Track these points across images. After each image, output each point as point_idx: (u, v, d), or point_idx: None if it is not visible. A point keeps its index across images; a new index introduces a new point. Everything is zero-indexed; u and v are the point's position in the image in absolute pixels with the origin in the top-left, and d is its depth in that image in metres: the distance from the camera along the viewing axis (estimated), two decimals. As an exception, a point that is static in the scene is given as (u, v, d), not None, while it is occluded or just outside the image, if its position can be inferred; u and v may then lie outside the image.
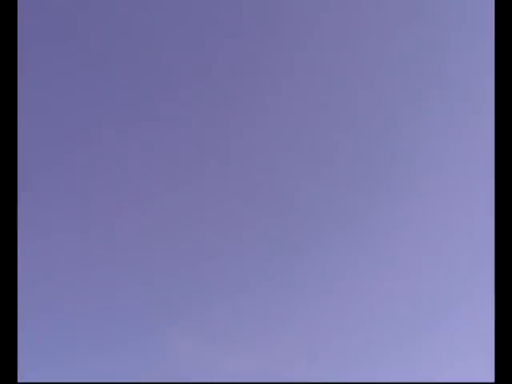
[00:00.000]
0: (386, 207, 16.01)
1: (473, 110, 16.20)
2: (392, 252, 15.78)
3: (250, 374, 14.50)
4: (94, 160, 16.04)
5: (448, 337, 15.07)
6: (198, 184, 16.13)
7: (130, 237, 15.76)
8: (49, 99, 16.27)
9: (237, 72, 16.40)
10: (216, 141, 16.20)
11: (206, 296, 15.38)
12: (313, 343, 15.15)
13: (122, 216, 15.89)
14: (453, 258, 15.59)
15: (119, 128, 16.22)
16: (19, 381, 12.67)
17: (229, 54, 16.40)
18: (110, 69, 16.34)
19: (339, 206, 16.04)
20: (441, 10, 16.42)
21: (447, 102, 16.33)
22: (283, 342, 15.14)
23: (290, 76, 16.50)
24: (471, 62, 16.30)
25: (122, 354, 14.84)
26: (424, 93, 16.39)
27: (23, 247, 15.24)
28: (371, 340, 15.15)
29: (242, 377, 14.40)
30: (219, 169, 16.15)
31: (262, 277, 15.60)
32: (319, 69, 16.51)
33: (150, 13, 16.32)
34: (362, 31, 16.51)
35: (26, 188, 15.52)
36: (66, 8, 16.26)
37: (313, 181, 16.05)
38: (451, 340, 15.02)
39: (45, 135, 16.08)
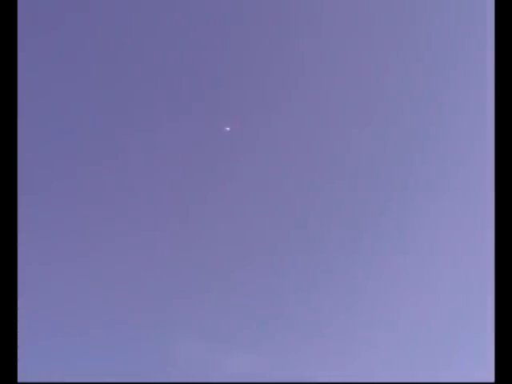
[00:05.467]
0: (397, 208, 16.03)
1: (476, 110, 16.20)
2: (397, 251, 15.78)
3: (250, 374, 14.50)
4: (95, 162, 16.06)
5: (448, 337, 15.07)
6: (200, 188, 16.14)
7: (132, 237, 15.77)
8: (50, 100, 16.27)
9: (243, 72, 16.41)
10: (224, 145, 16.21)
11: (206, 296, 15.38)
12: (313, 343, 15.15)
13: (123, 217, 15.90)
14: (454, 258, 15.60)
15: (122, 129, 16.23)
16: (19, 381, 12.67)
17: (234, 53, 16.41)
18: (111, 70, 16.34)
19: (350, 207, 16.05)
20: (441, 10, 16.43)
21: (452, 103, 16.35)
22: (283, 342, 15.14)
23: (295, 77, 16.50)
24: (473, 62, 16.31)
25: (122, 354, 14.85)
26: (431, 93, 16.40)
27: (23, 248, 15.25)
28: (371, 339, 15.15)
29: (242, 377, 14.40)
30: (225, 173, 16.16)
31: (262, 276, 15.60)
32: (325, 70, 16.51)
33: (151, 13, 16.32)
34: (365, 31, 16.51)
35: (26, 191, 15.53)
36: (69, 8, 16.27)
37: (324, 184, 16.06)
38: (451, 340, 15.03)
39: (45, 137, 16.09)
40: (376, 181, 16.13)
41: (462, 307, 15.18)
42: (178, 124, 16.24)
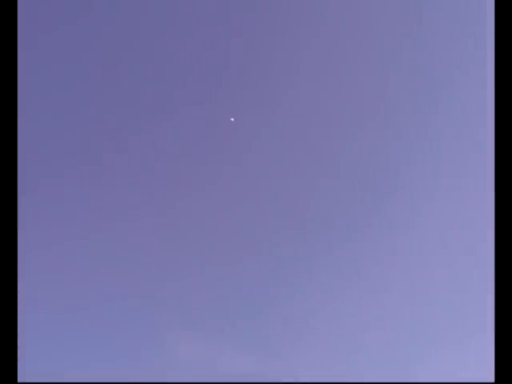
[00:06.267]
0: (392, 207, 16.04)
1: (476, 110, 16.21)
2: (397, 251, 15.78)
3: (250, 374, 14.50)
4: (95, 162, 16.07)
5: (448, 337, 15.08)
6: (195, 188, 16.14)
7: (129, 238, 15.78)
8: (51, 101, 16.27)
9: (243, 73, 16.42)
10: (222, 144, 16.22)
11: (205, 296, 15.38)
12: (312, 343, 15.16)
13: (122, 219, 15.90)
14: (454, 258, 15.61)
15: (122, 129, 16.24)
16: (19, 381, 12.66)
17: (235, 54, 16.43)
18: (113, 70, 16.34)
19: (345, 208, 16.05)
20: (441, 10, 16.44)
21: (450, 103, 16.36)
22: (283, 342, 15.14)
23: (294, 78, 16.51)
24: (473, 63, 16.32)
25: (122, 354, 14.85)
26: (429, 94, 16.42)
27: (25, 248, 15.24)
28: (371, 339, 15.15)
29: (241, 377, 14.40)
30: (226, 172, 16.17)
31: (262, 276, 15.61)
32: (323, 70, 16.52)
33: (154, 14, 16.33)
34: (366, 32, 16.53)
35: (26, 191, 15.53)
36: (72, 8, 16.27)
37: (320, 184, 16.07)
38: (451, 340, 15.03)
39: (45, 138, 16.08)
40: (377, 180, 16.14)
41: (461, 307, 15.19)
42: (178, 121, 16.26)
